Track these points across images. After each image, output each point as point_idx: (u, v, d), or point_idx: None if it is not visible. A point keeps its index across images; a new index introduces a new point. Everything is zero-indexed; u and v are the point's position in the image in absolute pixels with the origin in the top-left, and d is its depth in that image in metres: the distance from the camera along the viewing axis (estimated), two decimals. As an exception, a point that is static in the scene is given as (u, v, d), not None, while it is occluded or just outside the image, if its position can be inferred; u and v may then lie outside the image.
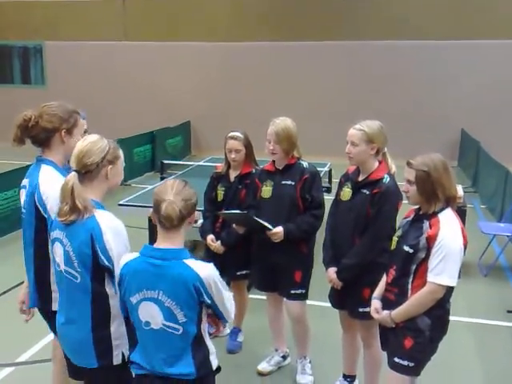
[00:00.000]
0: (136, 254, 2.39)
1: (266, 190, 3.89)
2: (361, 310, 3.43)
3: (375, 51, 12.70)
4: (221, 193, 4.32)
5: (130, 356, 2.49)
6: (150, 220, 5.40)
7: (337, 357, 4.00)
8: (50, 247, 2.67)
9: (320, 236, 3.81)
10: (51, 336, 3.51)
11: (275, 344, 4.31)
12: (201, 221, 4.52)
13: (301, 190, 3.78)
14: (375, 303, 3.07)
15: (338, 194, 3.63)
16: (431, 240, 2.78)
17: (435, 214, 2.83)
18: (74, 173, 2.46)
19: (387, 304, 2.99)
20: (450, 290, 2.84)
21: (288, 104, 11.45)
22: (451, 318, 2.95)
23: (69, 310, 2.56)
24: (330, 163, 8.40)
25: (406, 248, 2.87)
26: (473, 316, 5.26)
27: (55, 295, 2.78)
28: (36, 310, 3.09)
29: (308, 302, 4.03)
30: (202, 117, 13.78)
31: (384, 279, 3.08)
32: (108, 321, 2.49)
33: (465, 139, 12.11)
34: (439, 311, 2.86)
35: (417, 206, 2.96)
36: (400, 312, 2.89)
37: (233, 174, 4.30)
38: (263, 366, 4.26)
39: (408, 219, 2.99)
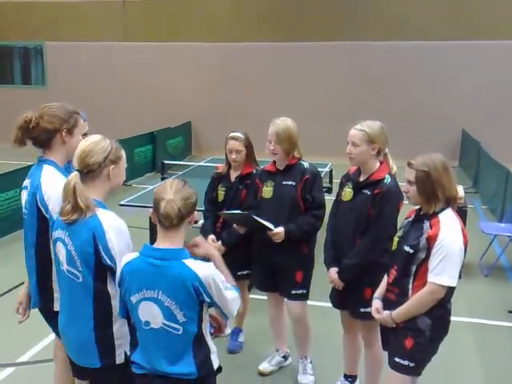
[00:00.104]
0: (136, 254, 2.40)
1: (267, 191, 3.89)
2: (362, 310, 3.44)
3: (375, 52, 12.70)
4: (221, 193, 4.32)
5: (130, 356, 2.49)
6: (150, 220, 5.41)
7: (338, 357, 4.01)
8: (51, 247, 2.68)
9: (321, 236, 3.81)
10: (52, 336, 3.51)
11: (276, 344, 4.31)
12: (201, 221, 4.52)
13: (301, 191, 3.78)
14: (376, 303, 3.07)
15: (338, 195, 3.63)
16: (431, 240, 2.78)
17: (436, 214, 2.83)
18: (76, 172, 2.47)
19: (388, 304, 2.99)
20: (450, 290, 2.85)
21: (288, 104, 11.46)
22: (452, 318, 2.95)
23: (71, 309, 2.57)
24: (331, 163, 8.41)
25: (407, 248, 2.87)
26: (473, 316, 5.26)
27: (56, 295, 2.78)
28: (35, 311, 3.09)
29: (309, 302, 4.03)
30: (203, 117, 13.79)
31: (385, 279, 3.08)
32: (110, 320, 2.49)
33: (465, 139, 12.11)
34: (440, 311, 2.86)
35: (418, 207, 2.96)
36: (400, 312, 2.89)
37: (233, 175, 4.30)
38: (264, 366, 4.26)
39: (409, 219, 2.99)
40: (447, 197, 2.84)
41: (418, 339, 2.86)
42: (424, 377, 3.01)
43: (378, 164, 3.47)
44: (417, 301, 2.84)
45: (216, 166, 4.65)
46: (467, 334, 4.93)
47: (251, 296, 4.79)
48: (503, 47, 12.11)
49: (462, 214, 3.00)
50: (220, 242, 4.18)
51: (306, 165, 3.85)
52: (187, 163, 10.26)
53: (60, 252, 2.55)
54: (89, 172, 2.49)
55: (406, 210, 3.12)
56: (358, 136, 3.39)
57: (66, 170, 2.92)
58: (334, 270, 3.56)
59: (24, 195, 2.95)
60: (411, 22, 12.32)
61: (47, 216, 2.78)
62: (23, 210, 2.96)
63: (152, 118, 13.38)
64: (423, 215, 2.89)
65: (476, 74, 12.23)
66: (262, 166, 4.16)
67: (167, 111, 13.71)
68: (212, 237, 4.22)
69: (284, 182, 3.82)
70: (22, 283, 3.20)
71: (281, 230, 3.72)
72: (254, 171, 4.20)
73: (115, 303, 2.50)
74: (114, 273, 2.46)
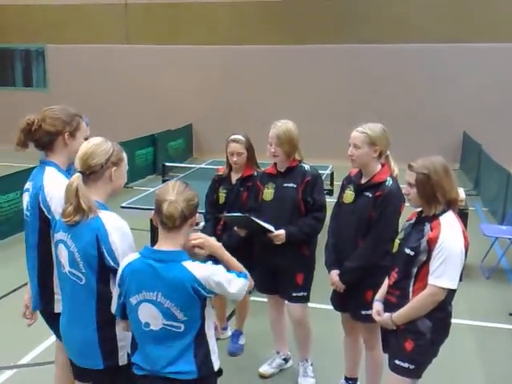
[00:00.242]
0: (137, 255, 2.40)
1: (268, 193, 3.89)
2: (363, 312, 3.43)
3: (376, 54, 12.71)
4: (222, 195, 4.33)
5: (130, 357, 2.50)
6: (151, 222, 5.41)
7: (338, 359, 4.00)
8: (53, 249, 2.68)
9: (322, 238, 3.81)
10: (53, 338, 3.51)
11: (277, 346, 4.31)
12: (202, 223, 4.53)
13: (302, 193, 3.78)
14: (377, 305, 3.07)
15: (340, 197, 3.63)
16: (432, 242, 2.79)
17: (437, 216, 2.83)
18: (78, 174, 2.48)
19: (389, 306, 2.99)
20: (451, 292, 2.84)
21: (289, 106, 11.47)
22: (453, 320, 2.95)
23: (73, 311, 2.57)
24: (332, 166, 8.41)
25: (408, 250, 2.87)
26: (474, 318, 5.26)
27: (57, 297, 2.78)
28: (38, 313, 3.09)
29: (310, 304, 4.03)
30: (204, 119, 13.80)
31: (386, 282, 3.08)
32: (113, 321, 2.50)
33: (467, 142, 12.11)
34: (441, 314, 2.86)
35: (419, 209, 2.97)
36: (401, 314, 2.89)
37: (234, 177, 4.30)
38: (265, 369, 4.25)
39: (410, 222, 3.00)
40: (448, 199, 2.85)
41: (419, 341, 2.85)
42: (424, 379, 3.01)
43: (379, 166, 3.47)
44: (417, 303, 2.84)
45: (217, 168, 4.66)
46: (468, 336, 4.93)
47: (252, 298, 4.78)
48: (504, 49, 12.11)
49: (462, 216, 3.00)
50: (220, 244, 4.17)
51: (306, 167, 3.85)
52: (188, 165, 10.28)
53: (62, 254, 2.55)
54: (91, 174, 2.50)
55: (408, 213, 3.13)
56: (359, 138, 3.40)
57: (68, 172, 2.93)
58: (335, 273, 3.56)
59: (26, 197, 2.96)
60: (412, 23, 12.33)
61: (49, 217, 2.79)
62: (25, 212, 2.97)
63: (153, 120, 13.40)
64: (424, 217, 2.89)
65: (477, 75, 12.23)
66: (263, 169, 4.16)
67: (168, 113, 13.73)
68: (213, 238, 4.20)
69: (285, 185, 3.82)
70: (23, 285, 3.21)
71: (281, 232, 3.72)
72: (255, 173, 4.21)
73: None
74: (116, 274, 2.46)
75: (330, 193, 7.23)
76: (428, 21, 12.31)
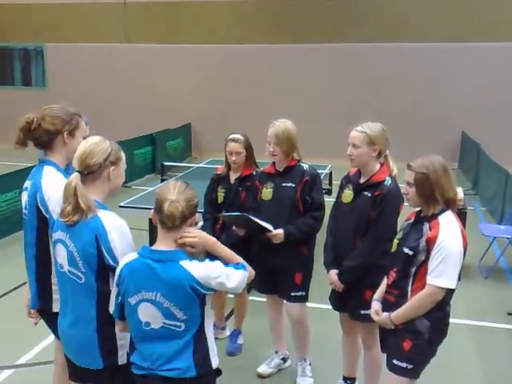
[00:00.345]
0: (135, 255, 2.40)
1: (267, 192, 3.89)
2: (362, 312, 3.43)
3: (375, 53, 12.72)
4: (221, 195, 4.33)
5: (129, 357, 2.50)
6: (150, 222, 5.40)
7: (337, 359, 4.00)
8: (51, 248, 2.68)
9: (321, 238, 3.81)
10: (51, 338, 3.51)
11: (275, 346, 4.31)
12: (201, 223, 4.52)
13: (301, 192, 3.78)
14: (375, 305, 3.07)
15: (339, 196, 3.63)
16: (431, 242, 2.79)
17: (435, 216, 2.83)
18: (76, 173, 2.47)
19: (387, 306, 2.99)
20: (450, 292, 2.84)
21: (288, 106, 11.47)
22: (451, 320, 2.95)
23: (73, 310, 2.56)
24: (331, 165, 8.41)
25: (406, 250, 2.87)
26: (473, 318, 5.26)
27: (56, 296, 2.78)
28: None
29: (308, 304, 4.03)
30: (203, 119, 13.80)
31: (384, 281, 3.08)
32: (113, 320, 2.49)
33: (465, 141, 12.12)
34: (439, 314, 2.86)
35: (418, 209, 2.97)
36: (399, 314, 2.89)
37: (233, 176, 4.30)
38: (263, 369, 4.26)
39: (409, 221, 3.00)
40: (446, 199, 2.85)
41: (417, 341, 2.85)
42: (422, 379, 3.01)
43: (378, 166, 3.47)
44: (416, 303, 2.84)
45: (216, 167, 4.66)
46: (466, 336, 4.93)
47: (250, 298, 4.79)
48: (503, 48, 12.12)
49: (461, 215, 3.00)
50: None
51: (305, 166, 3.85)
52: (187, 165, 10.27)
53: (60, 253, 2.55)
54: (89, 173, 2.50)
55: (407, 212, 3.13)
56: (358, 137, 3.40)
57: (66, 171, 2.93)
58: (333, 272, 3.56)
59: (24, 196, 2.95)
60: (411, 23, 12.34)
61: (47, 216, 2.78)
62: (23, 210, 2.97)
63: (152, 120, 13.40)
64: (423, 217, 2.90)
65: (476, 75, 12.24)
66: (261, 168, 4.16)
67: (167, 112, 13.72)
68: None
69: (283, 184, 3.82)
70: (22, 285, 3.20)
71: (280, 231, 3.72)
72: (254, 173, 4.21)
73: None
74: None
75: (329, 192, 7.23)
76: (428, 20, 12.31)
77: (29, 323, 3.16)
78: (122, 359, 2.54)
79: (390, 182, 3.40)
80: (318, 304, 4.76)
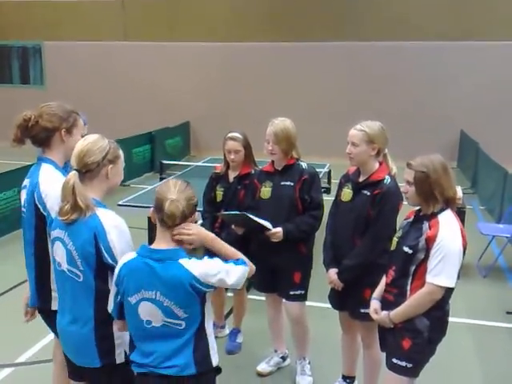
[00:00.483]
0: (134, 254, 2.40)
1: (265, 191, 3.89)
2: (362, 310, 3.43)
3: (375, 52, 12.71)
4: (220, 193, 4.32)
5: (129, 355, 2.49)
6: (149, 220, 5.40)
7: (336, 358, 4.01)
8: (49, 246, 2.67)
9: (320, 237, 3.81)
10: (51, 336, 3.51)
11: (274, 345, 4.31)
12: (200, 221, 4.52)
13: (300, 191, 3.78)
14: (374, 304, 3.07)
15: (338, 195, 3.63)
16: (430, 241, 2.79)
17: (435, 215, 2.83)
18: (74, 172, 2.47)
19: (386, 305, 2.99)
20: (449, 291, 2.84)
21: (288, 104, 11.47)
22: (450, 319, 2.95)
23: (71, 309, 2.56)
24: (330, 164, 8.41)
25: (406, 249, 2.87)
26: (472, 317, 5.27)
27: (55, 295, 2.78)
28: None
29: (307, 302, 4.03)
30: (202, 117, 13.79)
31: (383, 280, 3.08)
32: (111, 319, 2.49)
33: (464, 140, 12.12)
34: (438, 312, 2.86)
35: (417, 208, 2.97)
36: (398, 313, 2.89)
37: (232, 175, 4.30)
38: (262, 367, 4.26)
39: (408, 220, 3.00)
40: (446, 197, 2.84)
41: (416, 340, 2.86)
42: (422, 378, 3.01)
43: (377, 164, 3.47)
44: (415, 301, 2.84)
45: (214, 166, 4.66)
46: (465, 334, 4.94)
47: (250, 297, 4.79)
48: (503, 48, 12.12)
49: (460, 214, 3.00)
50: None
51: (304, 165, 3.85)
52: (186, 163, 10.27)
53: (58, 252, 2.55)
54: (87, 171, 2.49)
55: (406, 211, 3.13)
56: (357, 136, 3.40)
57: (65, 169, 2.93)
58: (333, 271, 3.56)
59: (23, 195, 2.95)
60: (411, 22, 12.33)
61: (45, 214, 2.78)
62: (22, 209, 2.97)
63: (151, 118, 13.38)
64: (422, 216, 2.89)
65: (476, 74, 12.24)
66: (260, 167, 4.15)
67: (166, 111, 13.71)
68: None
69: (282, 183, 3.82)
70: (21, 283, 3.20)
71: (279, 229, 3.72)
72: (253, 171, 4.21)
73: None
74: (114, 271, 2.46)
75: (328, 191, 7.23)
76: (428, 19, 12.30)
77: (29, 322, 3.15)
78: (119, 358, 2.53)
79: (389, 180, 3.40)
80: (318, 303, 4.76)
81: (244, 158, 4.22)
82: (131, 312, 2.39)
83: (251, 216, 3.67)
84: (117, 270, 2.40)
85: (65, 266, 2.52)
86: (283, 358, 4.32)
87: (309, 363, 4.13)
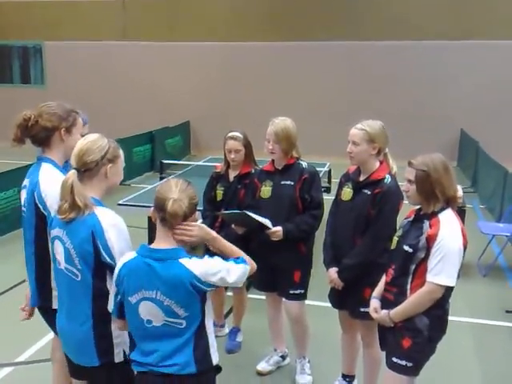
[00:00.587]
0: (134, 254, 2.40)
1: (266, 190, 3.89)
2: (362, 309, 3.43)
3: (375, 52, 12.71)
4: (220, 193, 4.33)
5: (129, 355, 2.50)
6: (149, 219, 5.40)
7: (336, 357, 4.01)
8: (50, 245, 2.68)
9: (320, 236, 3.81)
10: (51, 336, 3.51)
11: (274, 344, 4.31)
12: (200, 221, 4.52)
13: (300, 191, 3.78)
14: (374, 303, 3.07)
15: (338, 194, 3.63)
16: (431, 240, 2.79)
17: (435, 214, 2.83)
18: (73, 170, 2.47)
19: (386, 304, 2.99)
20: (449, 290, 2.84)
21: (288, 104, 11.47)
22: (450, 317, 2.95)
23: (69, 308, 2.57)
24: (330, 163, 8.41)
25: (406, 247, 2.87)
26: (471, 316, 5.27)
27: (55, 293, 2.78)
28: (36, 310, 3.09)
29: (307, 301, 4.03)
30: (202, 117, 13.79)
31: (383, 279, 3.09)
32: (109, 318, 2.49)
33: (464, 139, 12.12)
34: (438, 311, 2.86)
35: (418, 207, 2.97)
36: (398, 311, 2.89)
37: (232, 174, 4.30)
38: (262, 366, 4.26)
39: (409, 219, 3.00)
40: (446, 196, 2.84)
41: (416, 339, 2.86)
42: (421, 377, 3.01)
43: (377, 164, 3.47)
44: (415, 300, 2.84)
45: (215, 165, 4.66)
46: (465, 333, 4.94)
47: (249, 296, 4.79)
48: (503, 47, 12.12)
49: (460, 213, 3.00)
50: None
51: (304, 164, 3.85)
52: (186, 163, 10.27)
53: (57, 250, 2.55)
54: (86, 170, 2.50)
55: (406, 210, 3.13)
56: (358, 135, 3.40)
57: (65, 168, 2.93)
58: (333, 270, 3.56)
59: (23, 194, 2.95)
60: (411, 22, 12.34)
61: (45, 213, 2.78)
62: (22, 208, 2.97)
63: (151, 118, 13.38)
64: (423, 215, 2.89)
65: (476, 74, 12.24)
66: (260, 166, 4.16)
67: (166, 111, 13.71)
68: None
69: (282, 182, 3.82)
70: (21, 283, 3.20)
71: (279, 228, 3.72)
72: (253, 171, 4.21)
73: None
74: (112, 271, 2.46)
75: (328, 190, 7.23)
76: (428, 18, 12.31)
77: (28, 321, 3.16)
78: (118, 357, 2.54)
79: (389, 179, 3.40)
80: (317, 302, 4.76)
81: (244, 158, 4.23)
82: (131, 312, 2.39)
83: (251, 214, 3.67)
84: (117, 270, 2.40)
85: (63, 265, 2.53)
86: (283, 357, 4.32)
87: (308, 362, 4.14)
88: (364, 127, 3.41)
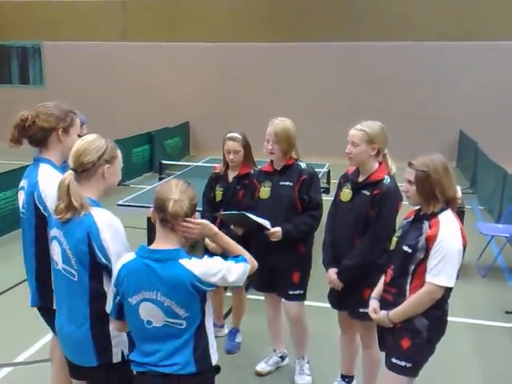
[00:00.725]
0: (133, 255, 2.39)
1: (265, 191, 3.89)
2: (361, 310, 3.43)
3: (376, 52, 12.71)
4: (219, 193, 4.33)
5: (129, 355, 2.49)
6: (148, 220, 5.40)
7: (335, 357, 4.01)
8: (49, 245, 2.68)
9: (319, 237, 3.81)
10: (50, 336, 3.51)
11: (273, 344, 4.31)
12: (200, 220, 4.51)
13: (299, 191, 3.78)
14: (373, 303, 3.07)
15: (337, 195, 3.63)
16: (430, 240, 2.79)
17: (435, 214, 2.83)
18: (70, 171, 2.48)
19: (385, 305, 2.99)
20: (448, 290, 2.85)
21: (287, 105, 11.46)
22: (449, 318, 2.95)
23: (67, 308, 2.57)
24: (329, 164, 8.41)
25: (405, 248, 2.87)
26: (471, 317, 5.27)
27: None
28: (33, 310, 3.08)
29: (306, 302, 4.03)
30: (201, 117, 13.78)
31: (382, 279, 3.08)
32: (106, 319, 2.49)
33: (463, 140, 12.12)
34: (437, 312, 2.86)
35: (417, 207, 2.97)
36: (398, 312, 2.89)
37: (231, 175, 4.30)
38: (261, 367, 4.26)
39: (408, 220, 3.00)
40: (446, 197, 2.84)
41: (415, 340, 2.86)
42: (420, 377, 3.00)
43: (376, 164, 3.47)
44: (415, 301, 2.84)
45: (214, 166, 4.66)
46: (464, 334, 4.94)
47: (249, 296, 4.79)
48: (504, 48, 12.12)
49: (459, 214, 3.00)
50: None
51: (303, 165, 3.85)
52: (185, 163, 10.26)
53: (55, 250, 2.56)
54: (83, 171, 2.50)
55: (405, 211, 3.13)
56: (357, 136, 3.40)
57: (63, 169, 2.93)
58: (332, 271, 3.56)
59: (21, 195, 2.95)
60: (412, 22, 12.33)
61: (46, 214, 2.78)
62: (20, 209, 2.97)
63: (151, 119, 13.37)
64: (423, 215, 2.89)
65: (477, 74, 12.24)
66: (259, 167, 4.16)
67: (166, 111, 13.70)
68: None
69: (281, 183, 3.82)
70: (20, 283, 3.20)
71: (278, 229, 3.72)
72: (252, 171, 4.21)
73: None
74: (109, 271, 2.46)
75: (327, 191, 7.23)
76: (428, 19, 12.30)
77: (27, 321, 3.15)
78: (116, 357, 2.54)
79: (388, 180, 3.40)
80: (317, 302, 4.75)
81: (243, 158, 4.23)
82: (132, 313, 2.39)
83: (250, 215, 3.67)
84: (116, 271, 2.39)
85: (60, 265, 2.53)
86: (282, 358, 4.32)
87: (308, 363, 4.13)
88: (363, 128, 3.41)
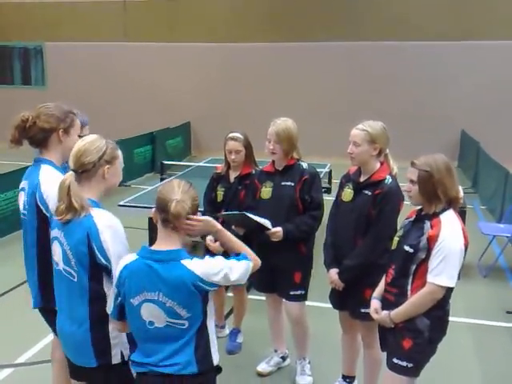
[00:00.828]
0: (134, 256, 2.39)
1: (266, 191, 3.89)
2: (362, 310, 3.43)
3: (375, 52, 12.71)
4: (220, 193, 4.33)
5: (130, 356, 2.49)
6: (150, 220, 5.40)
7: (336, 357, 4.00)
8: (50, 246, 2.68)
9: (320, 237, 3.81)
10: (51, 337, 3.51)
11: (274, 345, 4.31)
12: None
13: (300, 191, 3.78)
14: (374, 303, 3.07)
15: (338, 195, 3.63)
16: (432, 240, 2.78)
17: (437, 214, 2.83)
18: (71, 172, 2.48)
19: (387, 305, 2.99)
20: (449, 290, 2.84)
21: (288, 105, 11.46)
22: (450, 318, 2.95)
23: (67, 309, 2.57)
24: (330, 164, 8.41)
25: (407, 248, 2.87)
26: (472, 317, 5.26)
27: (57, 294, 2.78)
28: (34, 312, 3.09)
29: (308, 302, 4.03)
30: (202, 117, 13.79)
31: (383, 279, 3.08)
32: (106, 320, 2.49)
33: (465, 140, 12.12)
34: (439, 312, 2.86)
35: (419, 207, 2.96)
36: (399, 312, 2.89)
37: (232, 175, 4.30)
38: (263, 367, 4.26)
39: (410, 219, 2.99)
40: (448, 197, 2.84)
41: (417, 340, 2.85)
42: (422, 377, 3.00)
43: (378, 164, 3.47)
44: (416, 301, 2.84)
45: (215, 166, 4.66)
46: (465, 334, 4.93)
47: (250, 297, 4.79)
48: (503, 47, 12.11)
49: (461, 214, 2.99)
50: (218, 243, 4.18)
51: (304, 165, 3.85)
52: (187, 164, 10.27)
53: (56, 251, 2.56)
54: (84, 172, 2.50)
55: (407, 211, 3.12)
56: (359, 136, 3.40)
57: (64, 169, 2.93)
58: (334, 271, 3.56)
59: (22, 197, 2.95)
60: (411, 22, 12.33)
61: (48, 215, 2.78)
62: (21, 211, 2.96)
63: (152, 119, 13.38)
64: (424, 215, 2.89)
65: (476, 74, 12.23)
66: (261, 167, 4.16)
67: (167, 111, 13.71)
68: (210, 237, 4.21)
69: (283, 183, 3.82)
70: (21, 284, 3.20)
71: (279, 229, 3.72)
72: (253, 171, 4.21)
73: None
74: (109, 272, 2.46)
75: (328, 191, 7.23)
76: (428, 18, 12.30)
77: (28, 322, 3.15)
78: (116, 358, 2.54)
79: (390, 180, 3.40)
80: (318, 302, 4.76)
81: (245, 158, 4.22)
82: (133, 313, 2.38)
83: (250, 215, 3.67)
84: (118, 272, 2.39)
85: (61, 266, 2.53)
86: (283, 358, 4.32)
87: (309, 363, 4.13)
88: (365, 128, 3.41)
